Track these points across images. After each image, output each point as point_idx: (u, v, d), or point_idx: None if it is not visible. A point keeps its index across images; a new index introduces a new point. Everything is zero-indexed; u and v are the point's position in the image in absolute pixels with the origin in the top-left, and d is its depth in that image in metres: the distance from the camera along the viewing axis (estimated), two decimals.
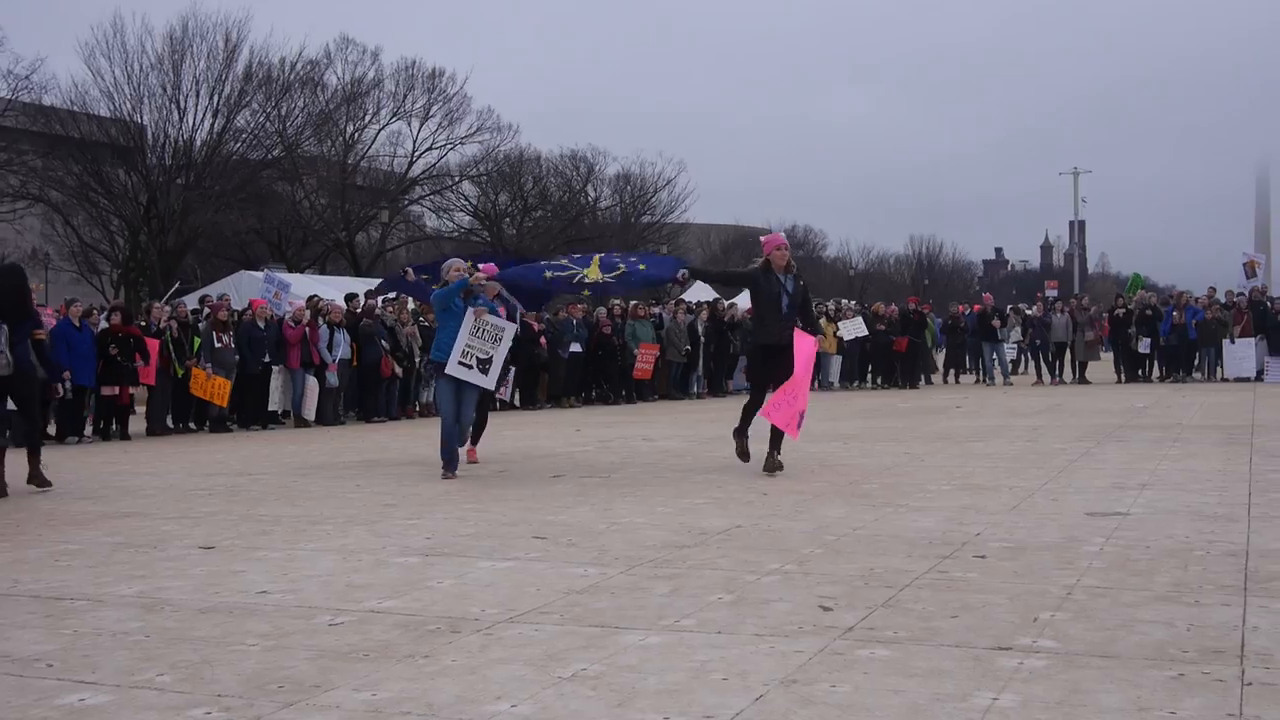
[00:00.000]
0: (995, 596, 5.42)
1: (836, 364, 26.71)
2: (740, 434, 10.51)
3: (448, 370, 10.58)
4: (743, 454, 10.47)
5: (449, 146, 50.93)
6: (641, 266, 11.66)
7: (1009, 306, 30.42)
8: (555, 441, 14.45)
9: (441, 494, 9.59)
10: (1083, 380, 26.46)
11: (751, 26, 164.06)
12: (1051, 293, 34.92)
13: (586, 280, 11.26)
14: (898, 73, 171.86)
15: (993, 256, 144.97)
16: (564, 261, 11.92)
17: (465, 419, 11.04)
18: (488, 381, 10.86)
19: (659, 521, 7.73)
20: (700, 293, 38.59)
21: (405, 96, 49.19)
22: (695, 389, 24.91)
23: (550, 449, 13.47)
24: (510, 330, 11.05)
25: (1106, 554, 6.39)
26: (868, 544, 6.80)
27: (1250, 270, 29.33)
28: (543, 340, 21.81)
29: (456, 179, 52.94)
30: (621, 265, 11.35)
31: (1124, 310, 26.95)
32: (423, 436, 15.96)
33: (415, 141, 50.17)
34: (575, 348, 22.47)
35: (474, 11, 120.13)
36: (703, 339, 24.90)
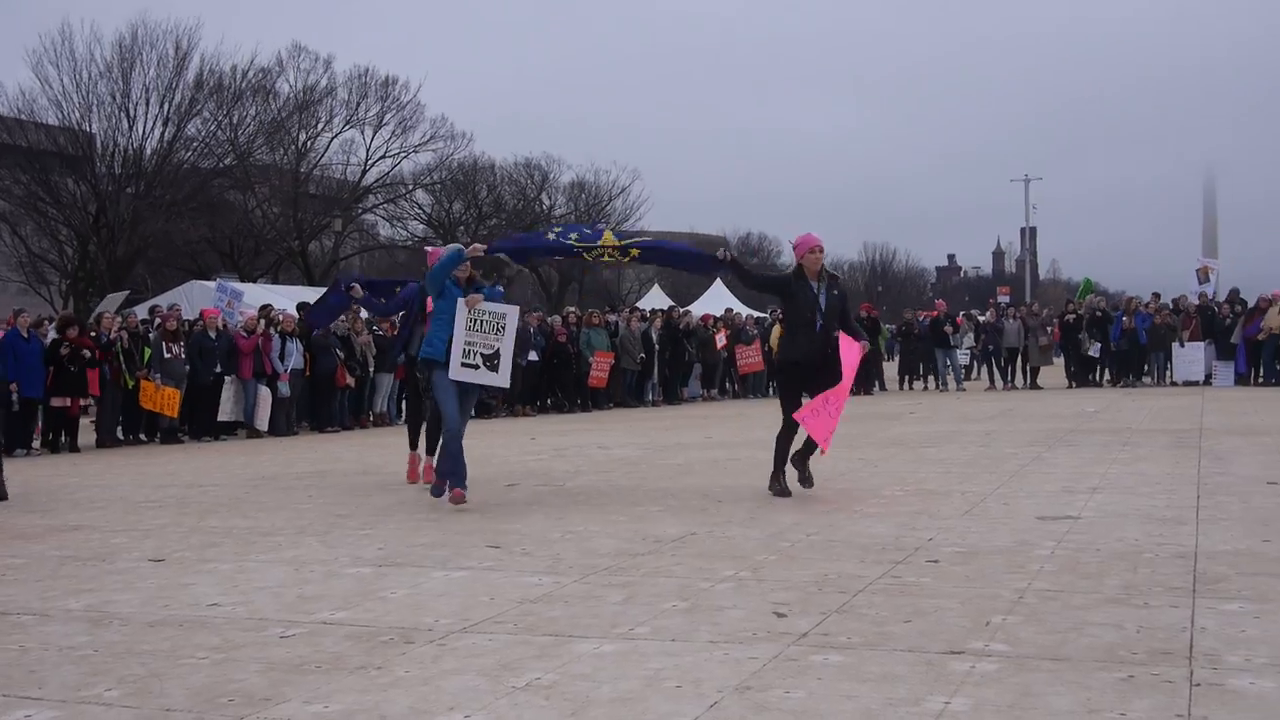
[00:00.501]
0: (948, 601, 5.45)
1: None
2: (778, 475, 9.19)
3: (451, 375, 8.98)
4: (784, 493, 9.10)
5: (402, 155, 50.65)
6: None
7: (962, 313, 30.63)
8: (510, 450, 14.40)
9: (395, 504, 9.54)
10: (1034, 385, 26.66)
11: (707, 35, 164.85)
12: (1003, 299, 35.19)
13: (606, 248, 9.90)
14: (852, 84, 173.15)
15: (945, 263, 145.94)
16: (570, 234, 10.52)
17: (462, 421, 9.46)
18: (500, 379, 9.30)
19: (613, 530, 7.72)
20: (655, 300, 38.70)
21: (358, 104, 48.90)
22: (650, 397, 24.90)
23: (505, 457, 13.42)
24: (513, 314, 9.37)
25: (1057, 557, 6.44)
26: (821, 550, 6.82)
27: (1204, 275, 29.67)
28: None
29: (410, 187, 52.68)
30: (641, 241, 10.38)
31: (1074, 315, 27.19)
32: (376, 446, 15.89)
33: (368, 150, 49.89)
34: (531, 356, 22.43)
35: (428, 19, 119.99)
36: (657, 347, 24.91)
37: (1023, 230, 78.32)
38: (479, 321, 9.08)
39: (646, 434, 16.31)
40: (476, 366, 9.04)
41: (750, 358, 25.89)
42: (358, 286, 11.09)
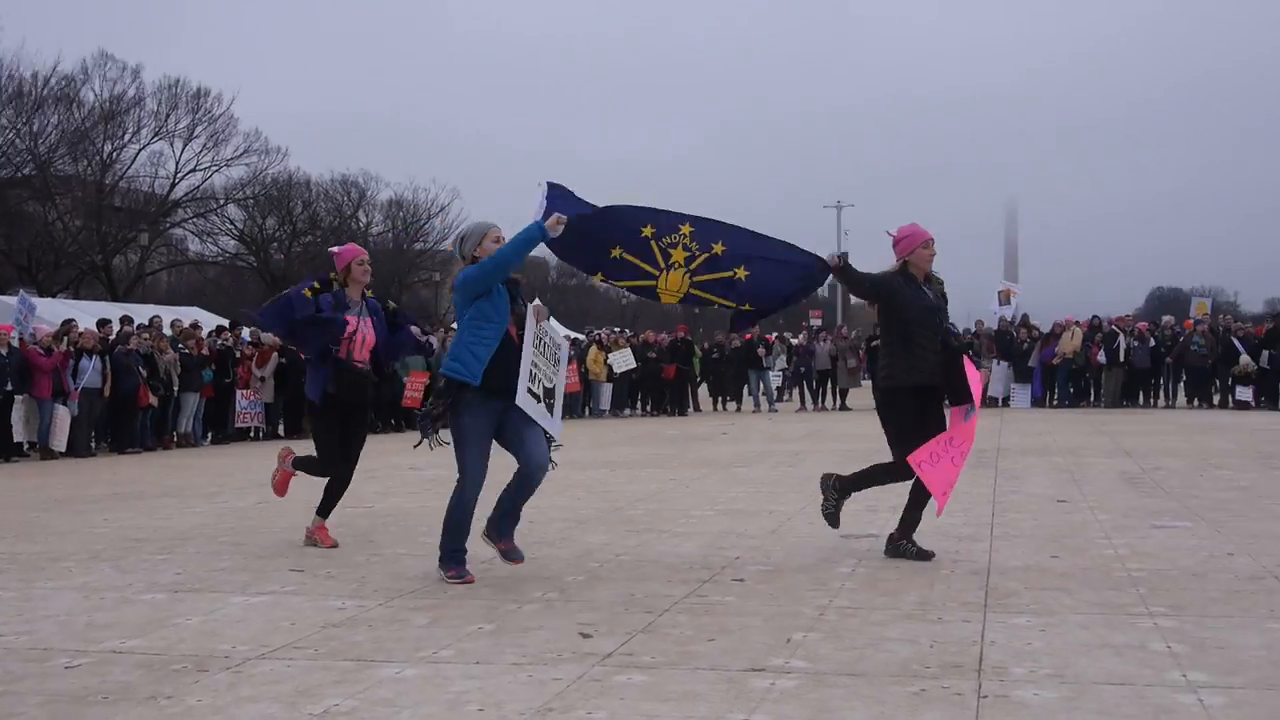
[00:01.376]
0: (751, 619, 5.53)
1: (607, 391, 26.92)
2: (845, 492, 7.60)
3: (519, 400, 6.49)
4: (834, 517, 7.60)
5: (214, 168, 49.32)
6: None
7: (775, 335, 31.21)
8: None
9: (195, 527, 9.24)
10: (844, 407, 27.33)
11: (525, 58, 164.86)
12: (816, 322, 35.96)
13: (663, 291, 7.42)
14: (670, 108, 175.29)
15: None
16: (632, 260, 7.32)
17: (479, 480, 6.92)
18: (556, 424, 6.93)
19: (421, 552, 7.62)
20: None
21: (168, 116, 47.49)
22: None
23: (311, 480, 13.09)
24: (565, 350, 7.25)
25: (858, 575, 6.60)
26: (629, 570, 6.86)
27: (1004, 298, 30.77)
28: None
29: (222, 202, 51.28)
30: (738, 269, 7.36)
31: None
32: (177, 467, 15.40)
33: (178, 162, 48.45)
34: None
35: (242, 30, 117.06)
36: None
37: None
38: (543, 344, 6.79)
39: None
40: (539, 398, 6.68)
41: (567, 378, 25.92)
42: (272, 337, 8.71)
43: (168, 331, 20.53)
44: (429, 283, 61.77)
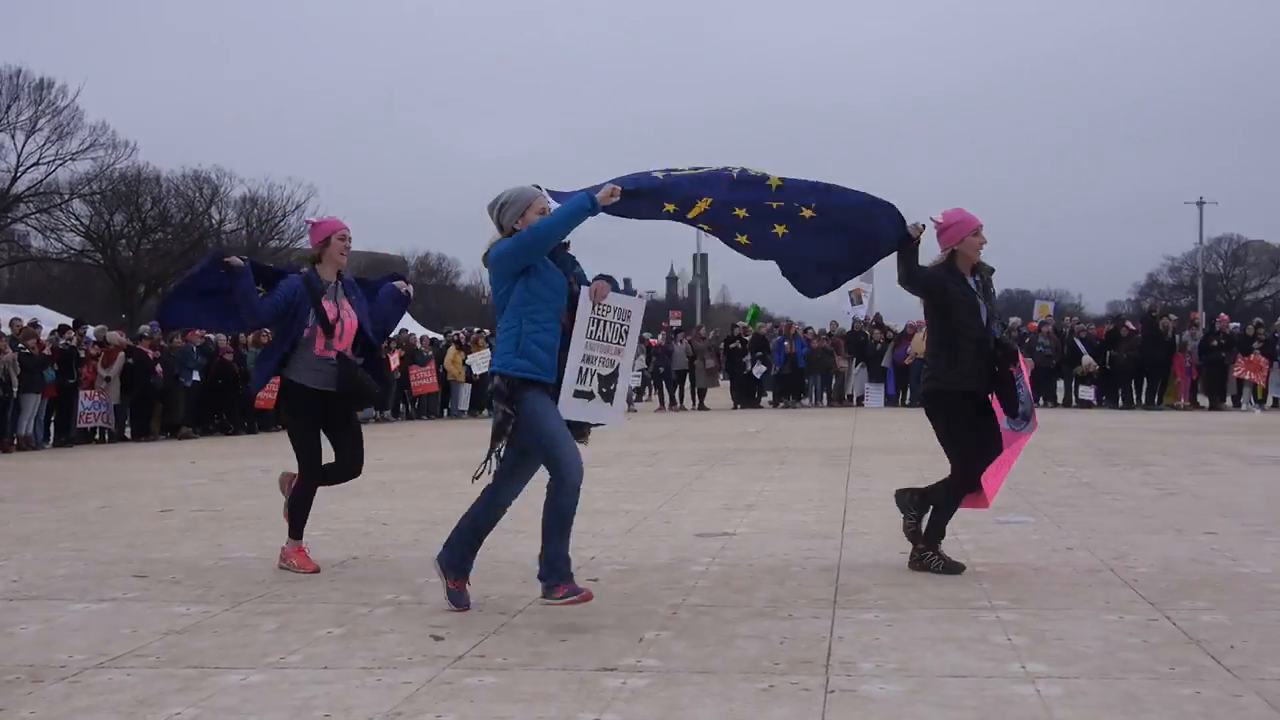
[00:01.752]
0: (605, 619, 5.53)
1: (466, 392, 26.73)
2: (936, 541, 6.79)
3: (563, 410, 5.70)
4: (955, 566, 6.68)
5: (58, 162, 47.85)
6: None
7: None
8: (167, 475, 13.74)
9: (36, 531, 8.91)
10: (702, 407, 27.56)
11: (383, 51, 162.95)
12: (675, 323, 36.17)
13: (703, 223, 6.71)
14: (530, 104, 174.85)
15: (622, 288, 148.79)
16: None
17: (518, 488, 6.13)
18: (614, 413, 5.99)
19: (270, 555, 7.44)
20: None
21: (9, 107, 45.96)
22: None
23: (160, 482, 12.80)
24: (638, 310, 6.17)
25: (712, 573, 6.66)
26: (483, 571, 6.78)
27: (857, 298, 31.28)
28: (159, 368, 20.74)
29: (66, 197, 49.66)
30: (808, 208, 6.57)
31: (740, 340, 28.29)
32: (17, 471, 14.88)
33: (19, 156, 46.87)
34: (195, 376, 21.50)
35: (89, 20, 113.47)
36: None
37: (695, 257, 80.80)
38: (602, 324, 5.95)
39: None
40: (591, 395, 5.85)
41: (424, 379, 25.71)
42: (237, 259, 7.12)
43: (6, 331, 19.81)
44: None
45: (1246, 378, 24.57)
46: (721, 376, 29.33)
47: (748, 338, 28.44)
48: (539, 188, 6.01)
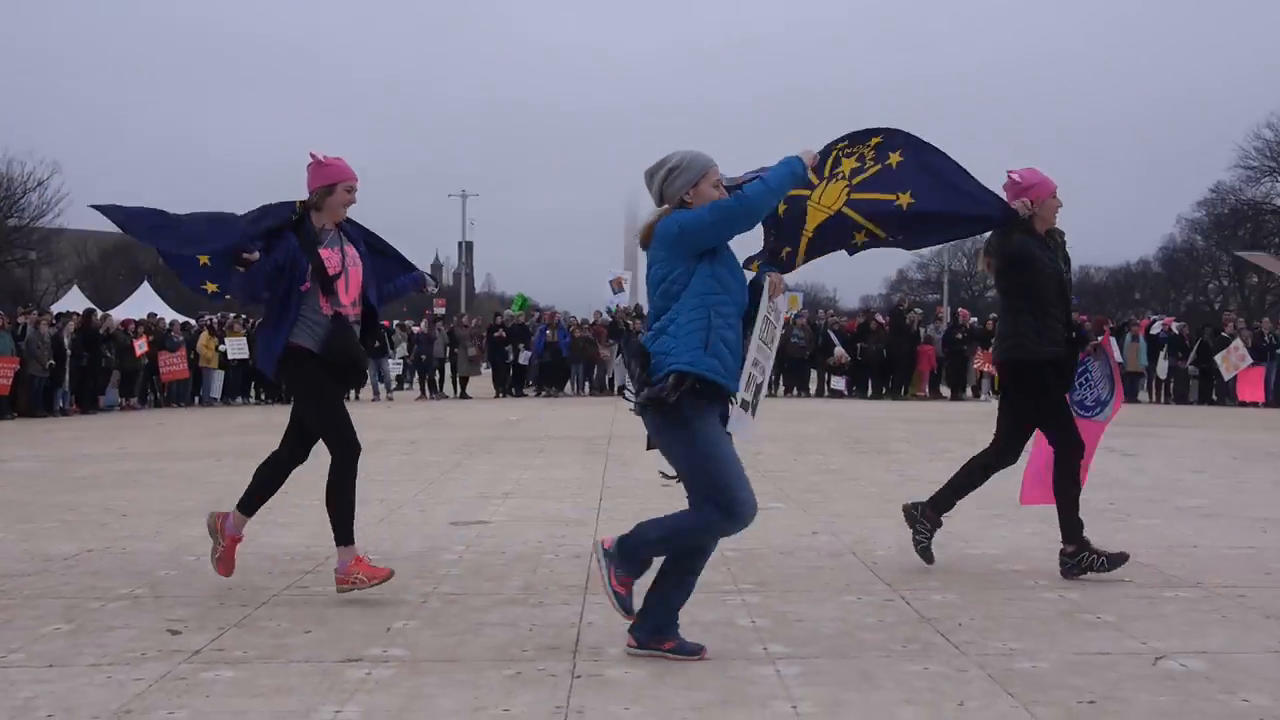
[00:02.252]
0: (352, 609, 5.43)
1: (219, 379, 25.91)
2: (939, 511, 6.76)
3: (733, 431, 4.70)
4: (929, 552, 6.58)
5: None
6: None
7: (396, 323, 30.87)
8: None
9: None
10: (464, 395, 27.38)
11: (154, 33, 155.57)
12: (439, 310, 35.80)
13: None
14: (311, 94, 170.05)
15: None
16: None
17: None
18: (755, 429, 4.92)
19: (13, 543, 7.05)
20: (72, 303, 35.82)
21: None
22: (61, 405, 23.12)
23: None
24: (783, 307, 5.21)
25: (465, 561, 6.62)
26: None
27: (617, 286, 31.60)
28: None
29: None
30: (902, 195, 6.11)
31: (503, 329, 28.22)
32: None
33: None
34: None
35: None
36: (69, 351, 23.16)
37: (460, 244, 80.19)
38: (768, 323, 5.02)
39: (51, 444, 15.15)
40: (747, 406, 4.82)
41: (174, 365, 24.78)
42: (252, 253, 5.73)
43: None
44: (24, 262, 57.38)
45: (985, 370, 25.86)
46: (484, 365, 29.20)
47: (509, 325, 28.38)
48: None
